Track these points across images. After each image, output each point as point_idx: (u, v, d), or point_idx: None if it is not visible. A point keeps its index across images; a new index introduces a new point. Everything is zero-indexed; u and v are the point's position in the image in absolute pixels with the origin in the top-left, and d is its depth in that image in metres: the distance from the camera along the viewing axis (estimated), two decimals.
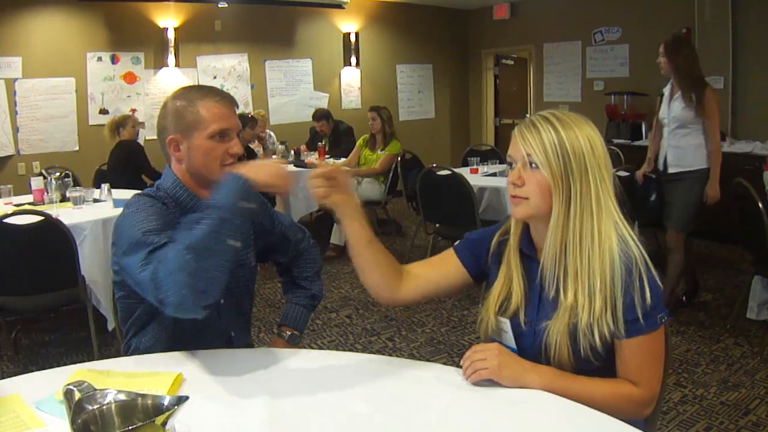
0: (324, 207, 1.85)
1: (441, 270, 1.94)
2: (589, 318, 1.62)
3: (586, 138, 1.65)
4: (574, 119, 1.68)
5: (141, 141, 6.94)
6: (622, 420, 1.45)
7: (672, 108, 4.73)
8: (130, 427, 1.06)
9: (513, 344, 1.78)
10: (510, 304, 1.78)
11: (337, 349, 4.45)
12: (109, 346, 4.24)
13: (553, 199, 1.65)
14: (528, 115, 1.74)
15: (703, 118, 4.60)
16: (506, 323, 1.79)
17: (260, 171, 1.76)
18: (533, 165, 1.66)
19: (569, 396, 1.57)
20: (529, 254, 1.79)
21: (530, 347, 1.74)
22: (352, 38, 10.04)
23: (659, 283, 1.64)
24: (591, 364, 1.65)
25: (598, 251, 1.63)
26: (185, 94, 2.00)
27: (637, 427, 1.42)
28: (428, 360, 4.18)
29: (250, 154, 6.94)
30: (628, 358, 1.64)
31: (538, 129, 1.66)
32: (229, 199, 1.69)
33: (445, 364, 1.82)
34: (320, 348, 4.48)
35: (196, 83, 8.62)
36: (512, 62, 11.43)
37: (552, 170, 1.63)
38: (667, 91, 4.87)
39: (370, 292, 1.94)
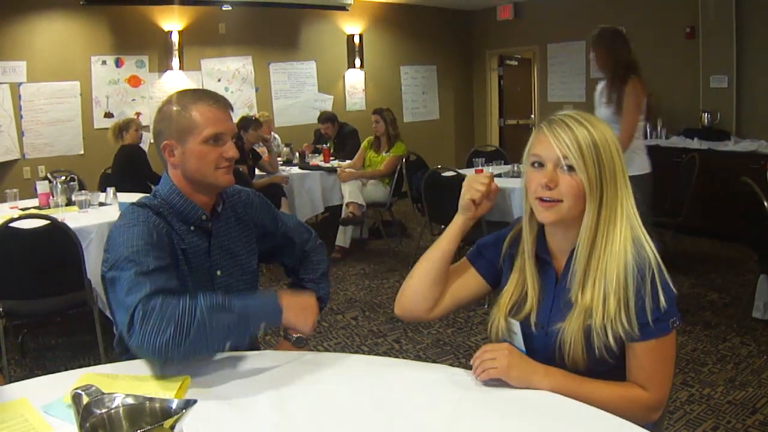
0: (467, 208, 1.83)
1: (460, 282, 1.93)
2: (603, 319, 1.62)
3: (612, 141, 1.65)
4: (597, 121, 1.67)
5: (145, 144, 6.95)
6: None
7: (599, 109, 4.61)
8: (138, 431, 1.06)
9: (522, 346, 1.78)
10: (523, 307, 1.78)
11: (344, 351, 4.45)
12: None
13: (587, 203, 1.64)
14: (554, 114, 1.71)
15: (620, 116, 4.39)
16: (516, 325, 1.79)
17: (298, 314, 1.90)
18: (569, 168, 1.63)
19: (578, 398, 1.57)
20: (545, 258, 1.78)
21: (542, 349, 1.73)
22: (356, 40, 10.05)
23: (672, 287, 1.63)
24: (605, 363, 1.65)
25: (617, 254, 1.63)
26: (179, 98, 2.00)
27: (645, 428, 1.42)
28: (435, 361, 4.18)
29: (255, 157, 6.94)
30: (638, 361, 1.64)
31: (572, 129, 1.63)
32: (257, 321, 1.78)
33: (451, 365, 1.83)
34: (326, 350, 4.49)
35: (201, 87, 8.64)
36: (516, 63, 11.42)
37: (588, 174, 1.62)
38: (599, 88, 4.80)
39: (406, 305, 1.91)
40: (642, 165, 4.50)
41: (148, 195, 2.06)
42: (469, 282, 1.92)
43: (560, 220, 1.68)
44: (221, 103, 2.01)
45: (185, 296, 1.68)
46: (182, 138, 1.96)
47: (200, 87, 8.62)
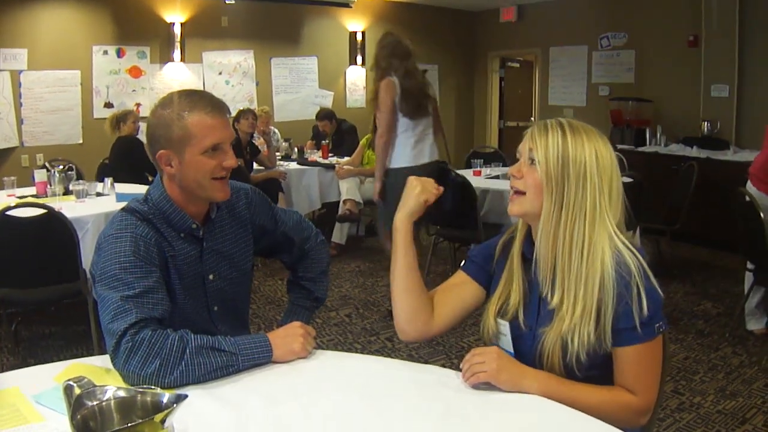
0: (419, 210, 1.85)
1: (459, 293, 1.93)
2: (570, 323, 1.63)
3: (593, 149, 1.66)
4: (587, 130, 1.70)
5: (142, 135, 6.94)
6: (619, 428, 1.45)
7: None
8: (129, 425, 1.06)
9: (511, 348, 1.79)
10: (509, 306, 1.79)
11: (336, 348, 4.45)
12: (106, 338, 4.24)
13: (545, 198, 1.67)
14: (535, 118, 1.77)
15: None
16: (505, 326, 1.80)
17: (284, 352, 1.81)
18: (533, 161, 1.69)
19: (567, 402, 1.57)
20: (530, 257, 1.79)
21: (528, 351, 1.74)
22: (359, 37, 10.04)
23: (659, 292, 1.64)
24: (575, 375, 1.65)
25: (588, 261, 1.64)
26: (173, 105, 1.89)
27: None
28: (427, 361, 4.18)
29: (253, 151, 6.94)
30: (625, 366, 1.65)
31: (548, 130, 1.69)
32: (246, 364, 1.73)
33: (443, 365, 1.84)
34: (319, 347, 4.44)
35: (201, 79, 8.65)
36: (518, 65, 11.42)
37: (547, 169, 1.66)
38: None
39: (405, 327, 1.90)
40: (401, 159, 4.92)
41: (139, 198, 1.99)
42: (466, 290, 1.92)
43: (525, 214, 1.74)
44: (218, 109, 1.92)
45: (175, 333, 1.67)
46: (179, 148, 1.88)
47: (201, 79, 8.65)
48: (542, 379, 1.63)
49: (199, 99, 1.91)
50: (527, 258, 1.80)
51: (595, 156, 1.65)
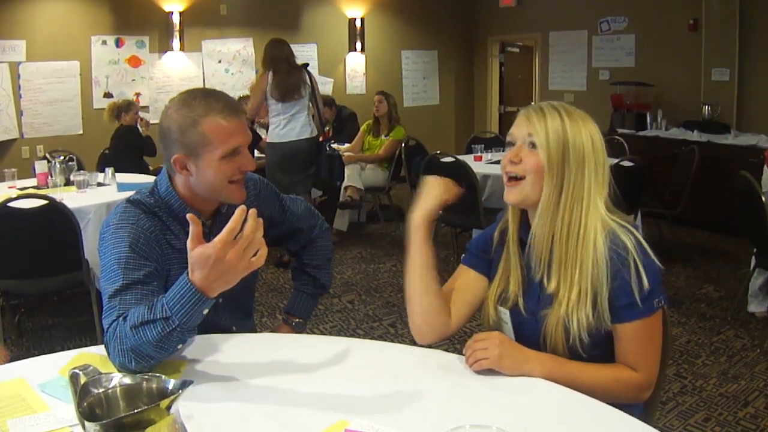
0: (438, 210, 1.81)
1: (467, 288, 1.91)
2: (567, 307, 1.65)
3: (589, 133, 1.69)
4: (580, 114, 1.71)
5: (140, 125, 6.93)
6: (620, 406, 1.47)
7: None
8: (135, 411, 1.07)
9: (512, 335, 1.80)
10: (508, 293, 1.80)
11: (339, 335, 4.46)
12: None
13: (545, 183, 1.67)
14: (535, 102, 1.76)
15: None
16: (506, 314, 1.81)
17: (221, 284, 1.53)
18: (532, 145, 1.68)
19: (570, 382, 1.59)
20: (527, 241, 1.80)
21: (532, 335, 1.75)
22: (358, 24, 10.01)
23: (658, 264, 1.65)
24: (581, 356, 1.67)
25: (582, 243, 1.66)
26: (188, 106, 1.83)
27: (636, 414, 1.44)
28: (429, 346, 4.19)
29: (254, 138, 6.93)
30: (625, 342, 1.67)
31: (545, 114, 1.69)
32: (182, 317, 1.54)
33: (446, 350, 1.83)
34: (322, 333, 4.50)
35: (201, 68, 8.63)
36: (518, 50, 11.38)
37: (549, 153, 1.66)
38: None
39: (424, 330, 1.86)
40: (274, 136, 5.93)
41: (146, 189, 1.95)
42: (472, 283, 1.91)
43: (523, 201, 1.72)
44: (233, 112, 1.85)
45: (125, 322, 1.61)
46: (195, 154, 1.82)
47: (200, 68, 8.63)
48: (545, 361, 1.64)
49: (214, 101, 1.84)
50: (525, 243, 1.81)
51: (591, 140, 1.68)
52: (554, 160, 1.66)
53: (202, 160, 1.82)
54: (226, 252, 1.47)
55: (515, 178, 1.70)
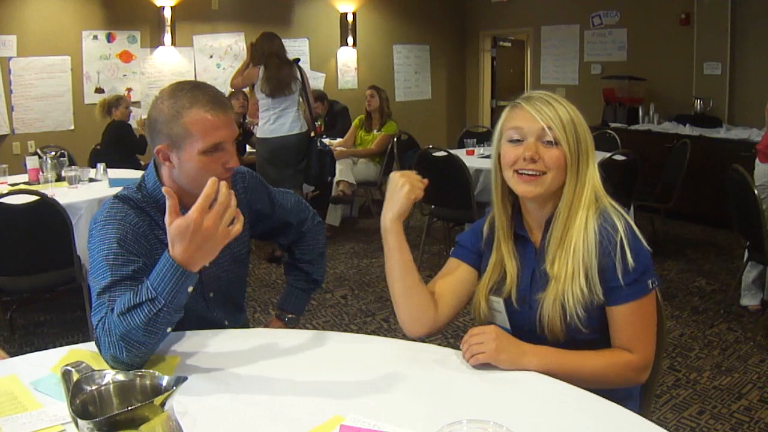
0: (408, 209, 1.78)
1: (456, 280, 1.91)
2: (563, 283, 1.67)
3: (582, 119, 1.70)
4: (567, 101, 1.72)
5: (133, 121, 6.91)
6: (618, 399, 1.47)
7: None
8: (128, 408, 1.06)
9: (507, 324, 1.81)
10: (504, 285, 1.81)
11: (332, 330, 4.45)
12: None
13: (568, 176, 1.68)
14: (527, 93, 1.74)
15: None
16: (500, 303, 1.82)
17: (202, 255, 1.54)
18: (550, 141, 1.67)
19: (568, 371, 1.59)
20: (523, 235, 1.81)
21: (526, 322, 1.77)
22: (349, 18, 9.96)
23: (647, 248, 1.68)
24: (580, 332, 1.68)
25: (577, 221, 1.68)
26: (173, 99, 1.81)
27: (632, 407, 1.44)
28: (422, 341, 4.19)
29: (245, 134, 6.92)
30: (620, 325, 1.68)
31: (552, 104, 1.68)
32: (167, 296, 1.54)
33: (439, 345, 1.83)
34: (315, 328, 4.49)
35: (192, 63, 8.59)
36: (510, 44, 11.38)
37: (570, 146, 1.67)
38: None
39: (413, 327, 1.86)
40: (265, 131, 5.90)
41: (133, 185, 1.93)
42: (462, 276, 1.92)
43: (543, 193, 1.71)
44: (219, 105, 1.82)
45: (112, 313, 1.61)
46: (177, 146, 1.80)
47: (192, 62, 8.59)
48: (541, 354, 1.64)
49: (201, 94, 1.81)
50: (519, 235, 1.81)
51: (585, 125, 1.71)
52: (573, 152, 1.67)
53: (184, 153, 1.81)
54: (202, 219, 1.49)
55: (536, 174, 1.69)
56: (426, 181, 1.82)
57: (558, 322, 1.68)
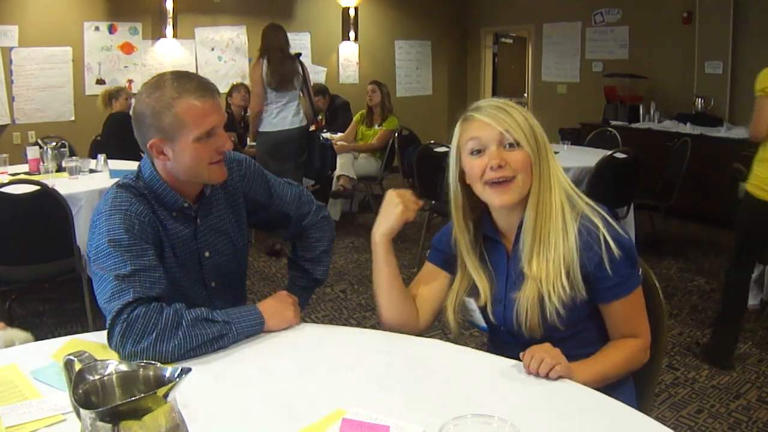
0: (399, 227, 1.88)
1: (433, 286, 1.96)
2: (546, 282, 1.67)
3: (536, 120, 1.73)
4: (518, 105, 1.76)
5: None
6: (617, 393, 1.47)
7: None
8: (131, 399, 1.05)
9: (483, 323, 1.87)
10: (477, 290, 1.84)
11: (332, 324, 4.43)
12: (104, 318, 4.24)
13: (533, 176, 1.70)
14: (474, 104, 1.76)
15: None
16: (471, 302, 1.86)
17: (278, 321, 1.84)
18: (512, 144, 1.68)
19: (595, 378, 1.61)
20: (494, 237, 1.84)
21: (502, 322, 1.81)
22: (351, 13, 9.95)
23: (627, 236, 1.72)
24: (558, 330, 1.70)
25: (553, 221, 1.69)
26: (160, 89, 1.81)
27: (630, 386, 1.46)
28: (423, 335, 4.18)
29: (246, 126, 6.91)
30: (622, 317, 1.74)
31: (505, 109, 1.70)
32: (240, 334, 1.75)
33: (439, 339, 1.84)
34: (314, 323, 4.47)
35: (194, 56, 8.58)
36: (511, 41, 11.38)
37: (530, 146, 1.68)
38: None
39: (394, 330, 1.91)
40: (266, 125, 5.87)
41: (131, 174, 1.94)
42: (438, 281, 1.96)
43: (518, 199, 1.72)
44: (207, 93, 1.83)
45: (169, 308, 1.66)
46: (171, 137, 1.81)
47: (193, 55, 8.59)
48: (573, 367, 1.60)
49: (187, 83, 1.82)
50: (490, 238, 1.84)
51: (539, 125, 1.74)
52: (534, 151, 1.69)
53: (179, 143, 1.81)
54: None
55: (506, 181, 1.69)
56: (421, 203, 1.89)
57: (536, 319, 1.70)
